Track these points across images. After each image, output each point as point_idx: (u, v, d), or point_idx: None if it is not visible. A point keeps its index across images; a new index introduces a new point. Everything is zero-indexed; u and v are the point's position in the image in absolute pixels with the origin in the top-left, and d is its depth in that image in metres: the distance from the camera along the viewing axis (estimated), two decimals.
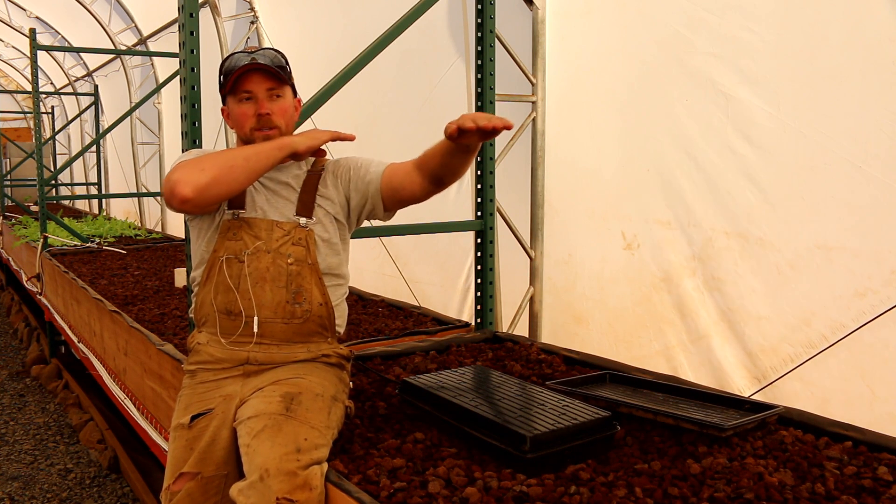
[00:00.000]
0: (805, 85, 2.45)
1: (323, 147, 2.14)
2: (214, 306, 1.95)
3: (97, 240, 6.64)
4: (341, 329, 2.10)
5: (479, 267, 3.09)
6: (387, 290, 4.38)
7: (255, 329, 1.93)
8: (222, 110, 2.03)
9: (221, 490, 1.81)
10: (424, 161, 1.93)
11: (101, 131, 9.10)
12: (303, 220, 1.99)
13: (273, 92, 1.95)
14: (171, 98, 8.36)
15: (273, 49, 1.99)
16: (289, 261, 1.94)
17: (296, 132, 2.04)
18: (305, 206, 2.01)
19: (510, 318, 3.54)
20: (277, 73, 1.93)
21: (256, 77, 1.92)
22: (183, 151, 2.49)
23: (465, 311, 3.98)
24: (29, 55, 6.96)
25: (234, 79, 1.92)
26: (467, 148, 1.81)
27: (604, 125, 3.21)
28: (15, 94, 15.59)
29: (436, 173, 1.92)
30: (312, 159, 2.12)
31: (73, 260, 5.71)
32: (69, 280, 4.68)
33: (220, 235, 1.96)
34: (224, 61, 1.97)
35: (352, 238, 2.15)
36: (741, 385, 2.72)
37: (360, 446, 1.84)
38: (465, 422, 1.83)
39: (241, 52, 1.97)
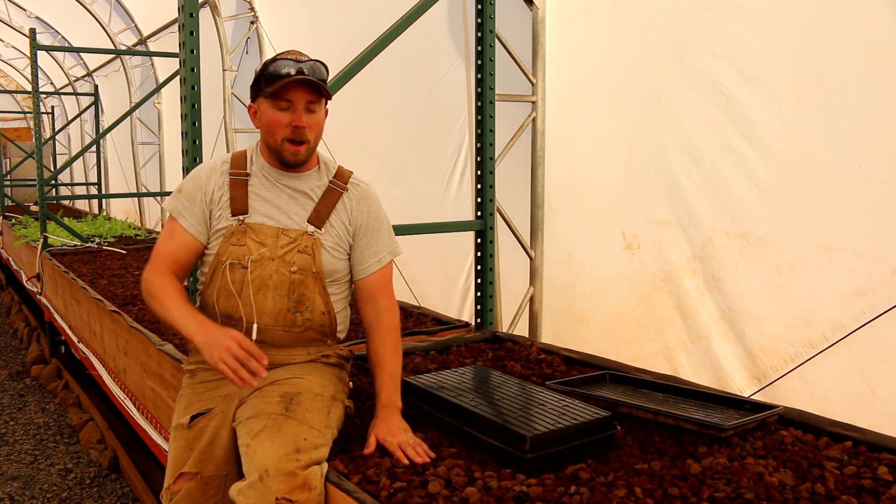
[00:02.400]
0: (805, 85, 2.45)
1: (344, 168, 2.13)
2: (217, 309, 1.96)
3: (97, 240, 6.64)
4: (342, 335, 2.11)
5: (479, 267, 3.09)
6: None
7: (255, 336, 1.93)
8: (249, 107, 2.01)
9: (221, 490, 1.81)
10: (368, 346, 2.04)
11: (101, 131, 9.10)
12: (311, 229, 1.97)
13: (311, 105, 1.92)
14: (171, 98, 8.36)
15: (318, 60, 1.95)
16: (292, 269, 1.93)
17: None
18: (320, 216, 1.99)
19: (510, 318, 3.54)
20: (320, 87, 1.90)
21: (300, 88, 1.89)
22: (183, 152, 2.50)
23: (465, 311, 3.98)
24: (29, 55, 6.96)
25: (279, 86, 1.87)
26: None
27: (604, 125, 3.21)
28: (15, 94, 15.60)
29: (367, 346, 2.04)
30: (335, 169, 2.08)
31: (73, 260, 5.71)
32: (69, 280, 4.68)
33: (223, 240, 1.95)
34: (270, 62, 1.92)
35: None
36: (741, 385, 2.72)
37: (360, 446, 1.84)
38: (465, 422, 1.82)
39: (289, 58, 1.92)
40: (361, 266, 2.05)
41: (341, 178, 2.06)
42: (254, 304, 1.93)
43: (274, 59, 1.93)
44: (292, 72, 1.88)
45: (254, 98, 1.98)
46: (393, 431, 1.81)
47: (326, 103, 2.01)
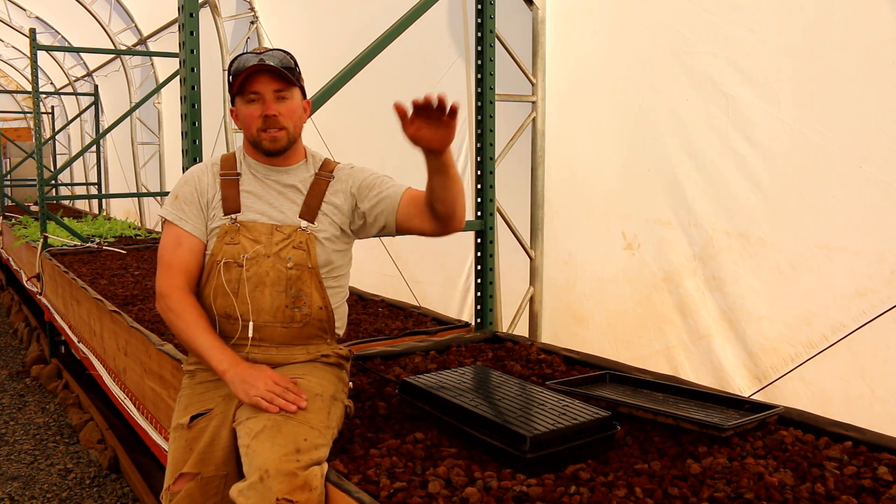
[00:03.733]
0: (805, 85, 2.45)
1: (329, 157, 2.14)
2: (214, 309, 1.96)
3: (97, 240, 6.64)
4: (341, 331, 2.10)
5: (479, 267, 3.09)
6: (387, 290, 4.38)
7: (251, 334, 1.93)
8: (231, 111, 2.02)
9: (221, 490, 1.81)
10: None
11: (101, 131, 9.10)
12: (304, 224, 1.98)
13: (280, 93, 1.92)
14: (171, 98, 8.37)
15: (282, 50, 1.96)
16: (289, 265, 1.93)
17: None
18: (310, 210, 2.00)
19: (510, 318, 3.54)
20: (285, 74, 1.91)
21: (264, 78, 1.90)
22: (183, 152, 2.50)
23: (465, 311, 3.98)
24: (29, 55, 6.96)
25: (241, 79, 1.90)
26: (434, 167, 1.81)
27: (604, 125, 3.21)
28: (15, 94, 15.60)
29: (429, 203, 1.92)
30: (321, 161, 2.10)
31: (73, 260, 5.71)
32: (69, 280, 4.68)
33: (217, 240, 1.96)
34: (232, 62, 1.96)
35: None
36: (741, 385, 2.72)
37: (360, 446, 1.84)
38: (465, 422, 1.82)
39: (249, 52, 1.95)
40: (388, 202, 2.01)
41: (326, 169, 2.07)
42: (251, 301, 1.93)
43: (237, 57, 1.96)
44: (253, 63, 1.90)
45: (232, 101, 2.01)
46: None
47: (304, 94, 2.02)
